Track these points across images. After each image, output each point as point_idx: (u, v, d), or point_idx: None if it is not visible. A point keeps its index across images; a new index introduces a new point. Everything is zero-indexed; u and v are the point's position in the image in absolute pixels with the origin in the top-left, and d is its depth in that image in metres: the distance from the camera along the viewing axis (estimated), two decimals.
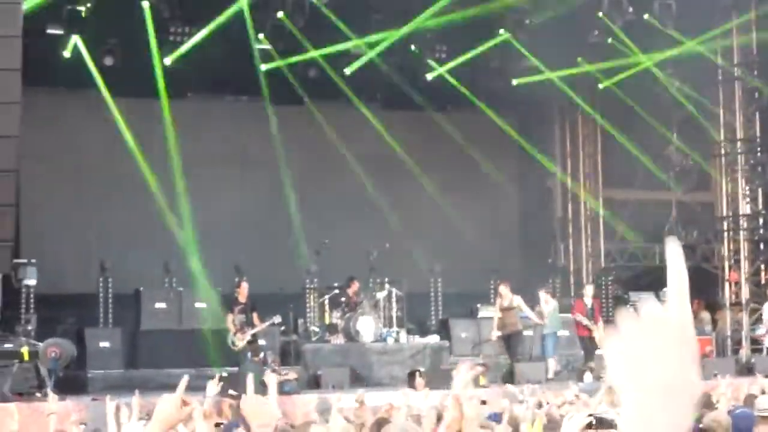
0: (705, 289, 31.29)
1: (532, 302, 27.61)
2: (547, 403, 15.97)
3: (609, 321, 29.67)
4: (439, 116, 31.13)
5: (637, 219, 33.62)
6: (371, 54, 29.29)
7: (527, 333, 26.45)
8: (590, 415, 9.22)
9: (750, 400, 14.28)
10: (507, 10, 28.77)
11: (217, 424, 10.62)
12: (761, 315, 30.07)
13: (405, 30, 28.73)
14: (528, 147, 32.73)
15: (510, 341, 25.59)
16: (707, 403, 13.13)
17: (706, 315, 30.58)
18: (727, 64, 32.18)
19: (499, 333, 25.70)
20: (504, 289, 26.07)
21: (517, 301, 25.78)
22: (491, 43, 29.68)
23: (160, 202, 27.52)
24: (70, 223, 26.48)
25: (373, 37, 28.88)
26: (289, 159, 28.47)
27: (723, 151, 32.97)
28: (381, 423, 12.19)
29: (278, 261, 27.77)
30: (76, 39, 26.49)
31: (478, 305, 28.59)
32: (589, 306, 27.32)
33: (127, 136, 26.82)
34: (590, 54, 31.14)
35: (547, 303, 26.77)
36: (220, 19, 26.91)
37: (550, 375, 25.20)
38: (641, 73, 30.87)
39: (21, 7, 18.79)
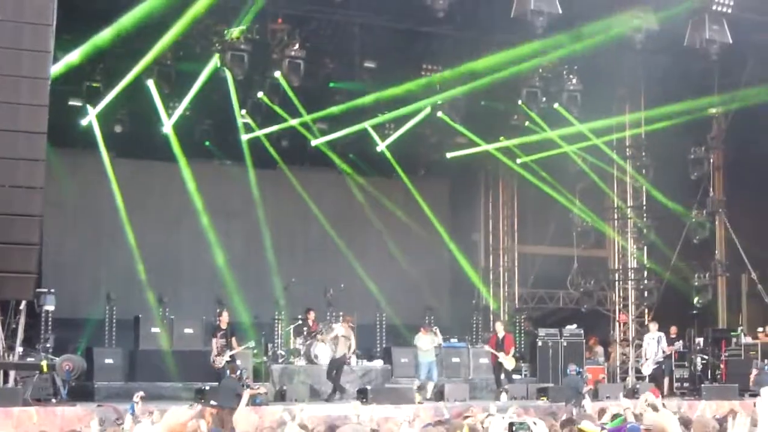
0: (599, 327, 31.61)
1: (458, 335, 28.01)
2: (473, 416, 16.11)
3: (522, 351, 30.10)
4: (385, 180, 31.39)
5: (545, 270, 33.90)
6: (335, 135, 29.81)
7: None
8: (512, 423, 9.35)
9: (640, 417, 14.52)
10: (446, 98, 29.12)
11: None
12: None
13: (363, 125, 29.53)
14: (440, 215, 32.94)
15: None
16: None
17: (599, 348, 30.68)
18: (618, 152, 32.65)
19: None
20: (336, 324, 26.02)
21: (342, 332, 25.48)
22: (420, 117, 30.04)
23: (157, 245, 27.63)
24: (83, 260, 26.53)
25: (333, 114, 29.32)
26: (264, 212, 28.66)
27: (616, 216, 33.34)
28: (333, 428, 12.27)
29: (254, 295, 27.72)
30: (91, 110, 26.65)
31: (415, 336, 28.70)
32: (501, 338, 27.26)
33: (117, 191, 26.95)
34: (511, 133, 31.46)
35: (435, 338, 26.79)
36: (211, 96, 27.12)
37: (429, 395, 25.14)
38: (551, 147, 31.24)
39: (48, 82, 18.76)
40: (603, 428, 11.55)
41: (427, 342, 26.33)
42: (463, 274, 33.30)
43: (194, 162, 28.28)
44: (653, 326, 29.04)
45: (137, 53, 25.63)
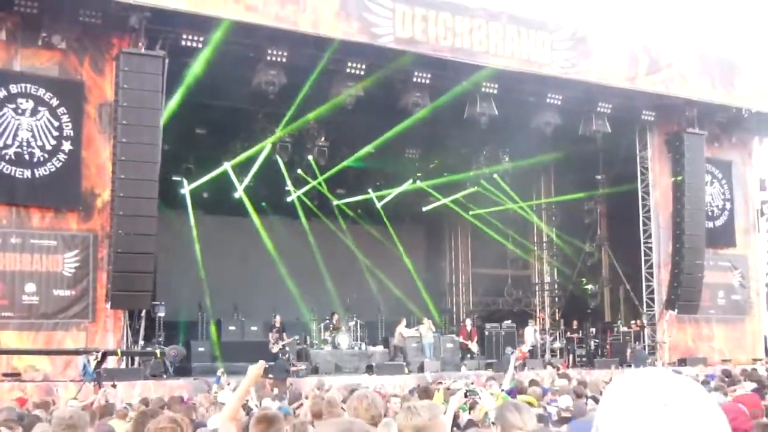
0: (526, 322, 31.32)
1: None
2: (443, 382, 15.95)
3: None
4: (383, 227, 31.32)
5: (489, 284, 33.83)
6: (349, 199, 29.96)
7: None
8: (467, 390, 9.24)
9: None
10: (423, 172, 29.26)
11: None
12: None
13: (367, 195, 30.24)
14: (419, 249, 32.83)
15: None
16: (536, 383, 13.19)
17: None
18: (537, 207, 32.69)
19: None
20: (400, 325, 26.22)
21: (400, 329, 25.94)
22: (405, 186, 30.22)
23: (233, 272, 27.51)
24: (183, 282, 26.05)
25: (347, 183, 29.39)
26: (303, 249, 28.57)
27: (536, 248, 33.32)
28: (351, 389, 12.21)
29: (297, 304, 27.46)
30: (186, 184, 26.70)
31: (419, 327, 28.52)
32: (469, 330, 27.59)
33: (197, 238, 27.07)
34: (465, 194, 31.44)
35: (431, 328, 26.59)
36: (267, 172, 27.12)
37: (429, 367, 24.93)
38: (494, 203, 31.19)
39: (158, 165, 18.72)
40: (502, 390, 11.45)
41: (426, 330, 26.25)
42: (435, 288, 33.27)
43: (257, 216, 28.27)
44: (531, 323, 29.32)
45: (218, 147, 25.75)
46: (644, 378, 1.60)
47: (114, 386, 15.82)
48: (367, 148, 25.83)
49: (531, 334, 28.21)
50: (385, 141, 25.12)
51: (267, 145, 25.27)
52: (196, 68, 19.89)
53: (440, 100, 22.49)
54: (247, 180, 27.16)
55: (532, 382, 13.28)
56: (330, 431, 3.20)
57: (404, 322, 26.48)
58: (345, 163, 27.50)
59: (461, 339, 27.47)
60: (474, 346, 27.34)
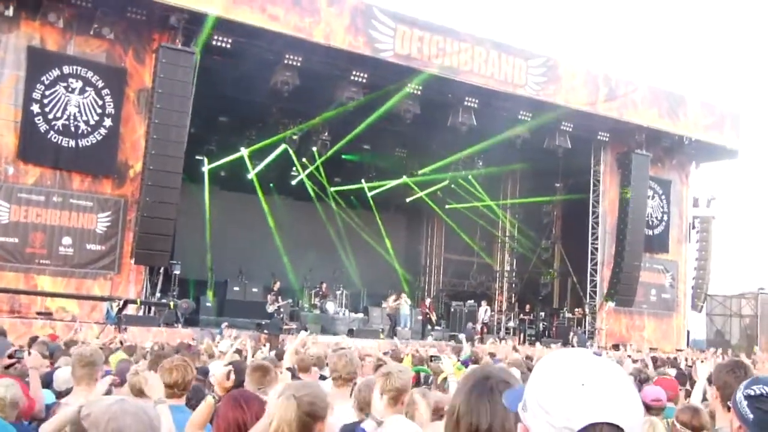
0: (488, 302, 31.52)
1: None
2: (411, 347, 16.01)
3: (442, 313, 30.00)
4: (370, 213, 31.23)
5: (458, 269, 33.87)
6: (345, 187, 29.78)
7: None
8: (431, 356, 9.30)
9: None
10: (409, 168, 29.22)
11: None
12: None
13: (360, 185, 29.78)
14: (399, 234, 32.70)
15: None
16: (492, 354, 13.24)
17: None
18: (503, 206, 32.72)
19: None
20: (395, 296, 26.17)
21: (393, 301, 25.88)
22: (396, 182, 29.97)
23: (241, 241, 27.44)
24: (197, 245, 25.76)
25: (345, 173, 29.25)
26: (301, 226, 28.52)
27: (500, 241, 33.37)
28: (335, 348, 12.22)
29: (292, 272, 27.41)
30: (205, 161, 26.55)
31: (382, 301, 28.40)
32: (428, 305, 27.62)
33: (209, 208, 26.73)
34: (442, 189, 31.40)
35: (406, 302, 26.55)
36: (278, 161, 27.00)
37: (407, 335, 24.97)
38: (467, 200, 31.18)
39: (184, 145, 18.76)
40: (458, 360, 11.43)
41: (403, 303, 26.32)
42: (411, 269, 33.28)
43: (264, 195, 28.18)
44: (484, 303, 29.09)
45: (237, 134, 25.63)
46: (566, 359, 1.52)
47: (125, 329, 15.87)
48: (349, 137, 25.34)
49: (483, 313, 28.29)
50: (368, 128, 24.75)
51: (279, 136, 25.22)
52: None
53: (392, 101, 22.29)
54: (260, 166, 26.95)
55: (490, 354, 13.39)
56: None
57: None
58: (337, 148, 27.16)
59: (425, 310, 27.53)
60: (434, 318, 27.54)
